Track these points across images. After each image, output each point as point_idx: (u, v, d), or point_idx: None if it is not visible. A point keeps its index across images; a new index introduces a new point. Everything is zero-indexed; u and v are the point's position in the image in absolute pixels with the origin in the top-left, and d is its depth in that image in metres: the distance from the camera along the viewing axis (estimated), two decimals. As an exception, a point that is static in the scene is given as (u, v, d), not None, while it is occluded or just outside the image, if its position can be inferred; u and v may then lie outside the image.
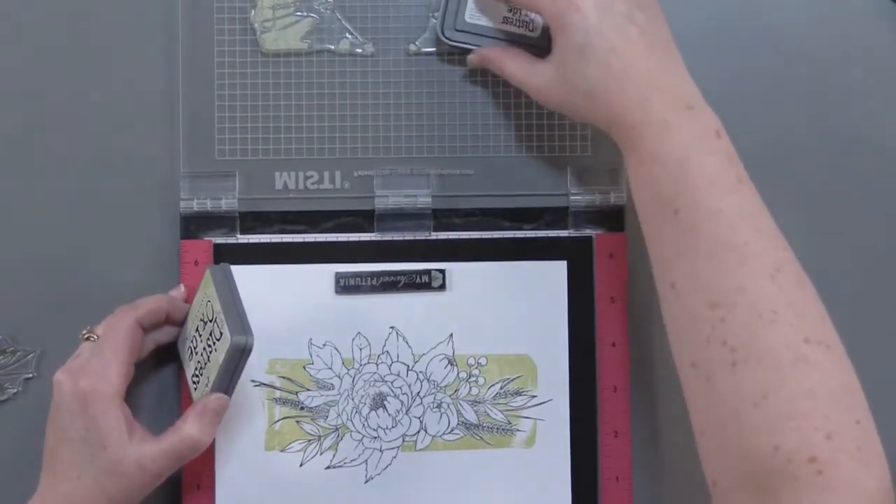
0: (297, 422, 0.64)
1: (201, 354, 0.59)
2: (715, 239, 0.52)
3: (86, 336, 0.59)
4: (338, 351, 0.64)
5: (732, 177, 0.53)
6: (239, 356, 0.57)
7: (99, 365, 0.58)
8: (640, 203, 0.55)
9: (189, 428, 0.58)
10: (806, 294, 0.52)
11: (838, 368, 0.50)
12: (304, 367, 0.64)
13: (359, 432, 0.64)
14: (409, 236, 0.65)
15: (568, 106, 0.58)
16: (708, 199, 0.52)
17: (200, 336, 0.60)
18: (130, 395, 0.60)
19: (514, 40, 0.63)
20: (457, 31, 0.63)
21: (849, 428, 0.48)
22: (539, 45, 0.62)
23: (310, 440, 0.64)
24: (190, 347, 0.61)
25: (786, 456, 0.47)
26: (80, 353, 0.59)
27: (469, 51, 0.64)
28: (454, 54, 0.66)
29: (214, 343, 0.58)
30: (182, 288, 0.63)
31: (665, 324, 0.55)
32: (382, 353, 0.64)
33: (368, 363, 0.64)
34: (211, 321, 0.59)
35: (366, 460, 0.64)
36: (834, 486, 0.47)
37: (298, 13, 0.66)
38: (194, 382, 0.60)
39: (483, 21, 0.63)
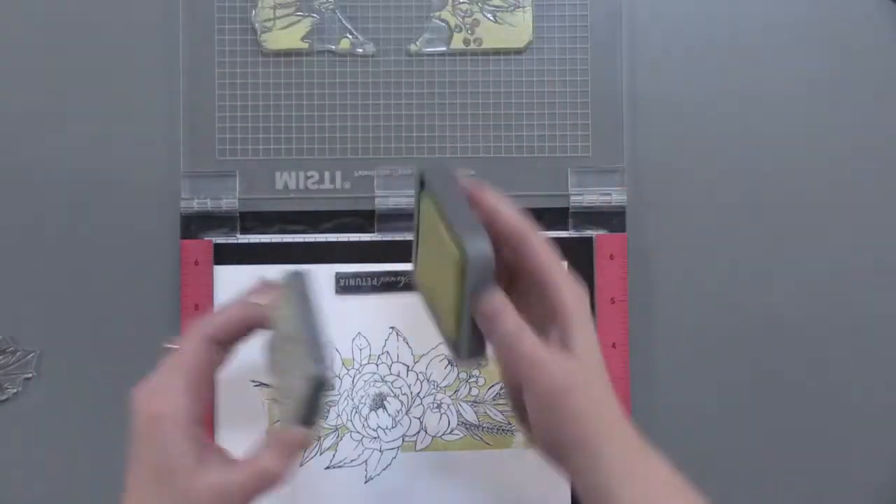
0: (297, 422, 0.64)
1: (285, 374, 0.53)
2: None
3: (167, 347, 0.55)
4: (338, 351, 0.64)
5: None
6: (322, 390, 0.50)
7: (169, 386, 0.52)
8: None
9: (268, 462, 0.52)
10: None
11: None
12: (304, 368, 0.64)
13: (359, 432, 0.64)
14: (409, 236, 0.65)
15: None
16: None
17: (284, 352, 0.53)
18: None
19: None
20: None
21: None
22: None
23: (310, 440, 0.64)
24: (275, 360, 0.55)
25: None
26: (159, 368, 0.54)
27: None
28: (455, 54, 0.66)
29: (298, 366, 0.51)
30: (262, 285, 0.55)
31: None
32: (382, 353, 0.64)
33: (368, 363, 0.64)
34: (292, 341, 0.52)
35: (366, 460, 0.64)
36: None
37: (299, 13, 0.65)
38: (278, 401, 0.56)
39: None
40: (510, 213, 0.53)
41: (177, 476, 0.51)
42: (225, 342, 0.54)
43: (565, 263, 0.56)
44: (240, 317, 0.54)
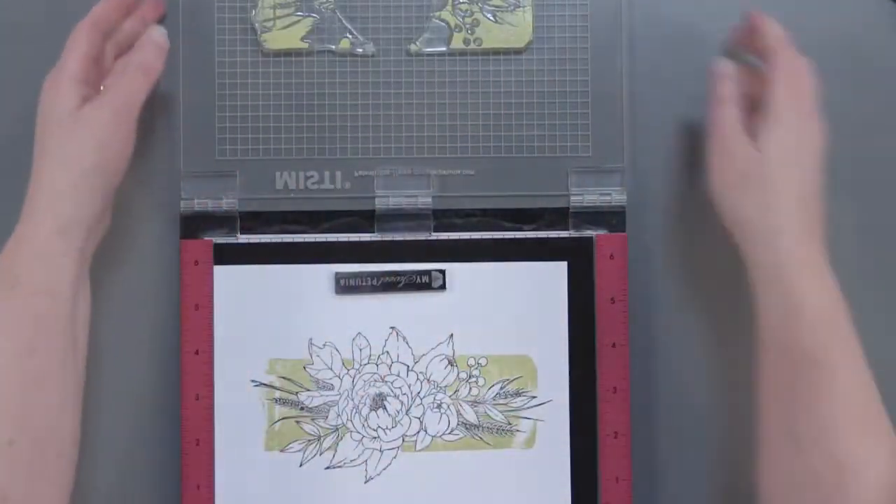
0: (297, 422, 0.64)
1: None
2: (854, 399, 0.54)
3: None
4: (338, 351, 0.64)
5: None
6: None
7: (60, 76, 0.58)
8: (766, 335, 0.56)
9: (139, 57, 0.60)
10: None
11: None
12: (303, 368, 0.64)
13: (359, 432, 0.64)
14: (409, 236, 0.65)
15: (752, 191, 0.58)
16: (857, 355, 0.55)
17: None
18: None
19: None
20: None
21: None
22: None
23: (309, 440, 0.64)
24: None
25: None
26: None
27: None
28: (455, 54, 0.66)
29: None
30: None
31: (769, 475, 0.55)
32: (382, 353, 0.64)
33: (368, 363, 0.64)
34: None
35: (366, 461, 0.64)
36: None
37: (299, 13, 0.65)
38: None
39: None
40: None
41: (64, 108, 0.57)
42: (106, 28, 0.61)
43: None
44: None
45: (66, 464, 0.56)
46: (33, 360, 0.54)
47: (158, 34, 0.61)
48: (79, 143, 0.57)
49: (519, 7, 0.66)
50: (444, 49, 0.66)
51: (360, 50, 0.66)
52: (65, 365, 0.56)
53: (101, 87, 0.60)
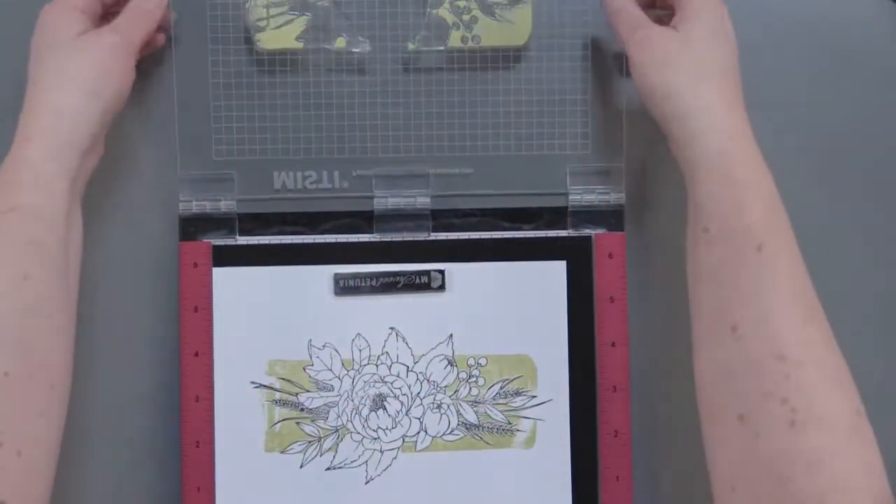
0: (297, 423, 0.64)
1: None
2: (795, 285, 0.51)
3: None
4: (337, 352, 0.64)
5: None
6: None
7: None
8: (712, 224, 0.54)
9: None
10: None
11: (875, 445, 0.49)
12: (303, 369, 0.64)
13: (359, 433, 0.64)
14: (408, 237, 0.65)
15: (668, 85, 0.57)
16: (794, 242, 0.53)
17: None
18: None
19: None
20: None
21: None
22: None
23: (310, 441, 0.64)
24: None
25: None
26: None
27: None
28: (453, 52, 0.65)
29: None
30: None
31: (705, 367, 0.53)
32: (382, 353, 0.64)
33: (368, 364, 0.64)
34: None
35: (366, 461, 0.64)
36: None
37: (293, 11, 0.65)
38: None
39: None
40: None
41: (63, 34, 0.58)
42: None
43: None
44: None
45: (59, 396, 0.54)
46: (28, 287, 0.53)
47: None
48: (78, 65, 0.57)
49: (518, 4, 0.65)
50: (441, 47, 0.65)
51: (357, 49, 0.65)
52: (58, 292, 0.55)
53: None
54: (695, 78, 0.56)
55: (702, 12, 0.58)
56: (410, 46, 0.65)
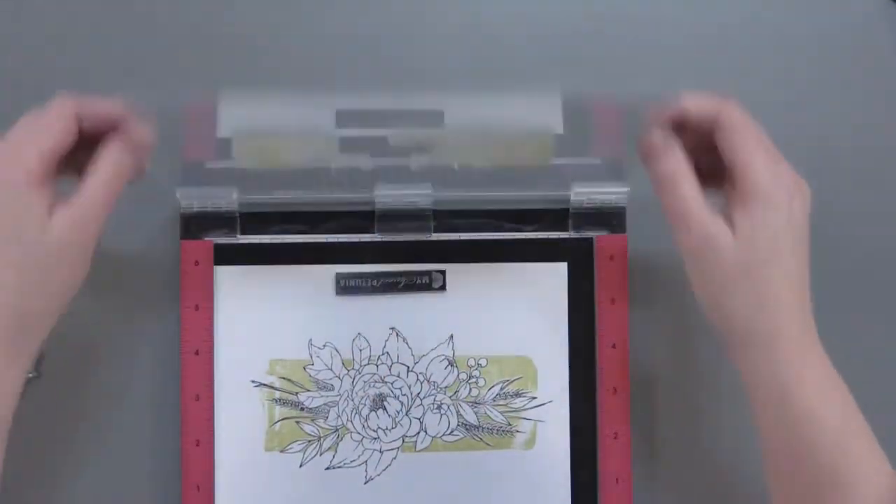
0: (297, 422, 0.64)
1: None
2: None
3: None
4: (338, 352, 0.64)
5: None
6: None
7: (22, 150, 0.50)
8: (783, 453, 0.51)
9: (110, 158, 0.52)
10: None
11: None
12: (304, 368, 0.64)
13: (359, 433, 0.64)
14: (409, 237, 0.65)
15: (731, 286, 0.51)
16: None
17: None
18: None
19: None
20: None
21: None
22: None
23: (309, 441, 0.64)
24: None
25: None
26: (15, 127, 0.52)
27: None
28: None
29: None
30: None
31: None
32: (382, 354, 0.64)
33: (368, 364, 0.64)
34: None
35: (365, 461, 0.64)
36: None
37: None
38: None
39: None
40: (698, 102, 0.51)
41: (28, 226, 0.50)
42: (87, 124, 0.52)
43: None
44: (109, 107, 0.52)
45: None
46: None
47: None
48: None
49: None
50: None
51: (361, 50, 0.65)
52: None
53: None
54: (758, 309, 0.50)
55: (768, 192, 0.50)
56: (413, 48, 0.65)
